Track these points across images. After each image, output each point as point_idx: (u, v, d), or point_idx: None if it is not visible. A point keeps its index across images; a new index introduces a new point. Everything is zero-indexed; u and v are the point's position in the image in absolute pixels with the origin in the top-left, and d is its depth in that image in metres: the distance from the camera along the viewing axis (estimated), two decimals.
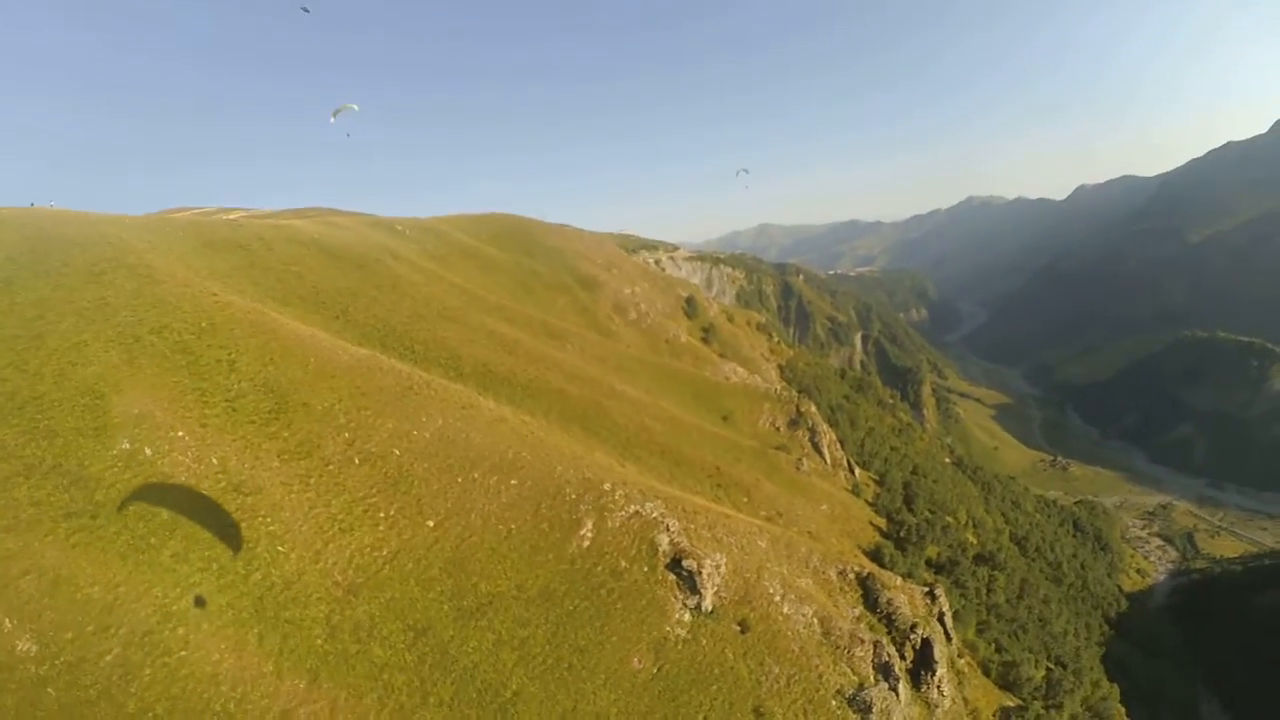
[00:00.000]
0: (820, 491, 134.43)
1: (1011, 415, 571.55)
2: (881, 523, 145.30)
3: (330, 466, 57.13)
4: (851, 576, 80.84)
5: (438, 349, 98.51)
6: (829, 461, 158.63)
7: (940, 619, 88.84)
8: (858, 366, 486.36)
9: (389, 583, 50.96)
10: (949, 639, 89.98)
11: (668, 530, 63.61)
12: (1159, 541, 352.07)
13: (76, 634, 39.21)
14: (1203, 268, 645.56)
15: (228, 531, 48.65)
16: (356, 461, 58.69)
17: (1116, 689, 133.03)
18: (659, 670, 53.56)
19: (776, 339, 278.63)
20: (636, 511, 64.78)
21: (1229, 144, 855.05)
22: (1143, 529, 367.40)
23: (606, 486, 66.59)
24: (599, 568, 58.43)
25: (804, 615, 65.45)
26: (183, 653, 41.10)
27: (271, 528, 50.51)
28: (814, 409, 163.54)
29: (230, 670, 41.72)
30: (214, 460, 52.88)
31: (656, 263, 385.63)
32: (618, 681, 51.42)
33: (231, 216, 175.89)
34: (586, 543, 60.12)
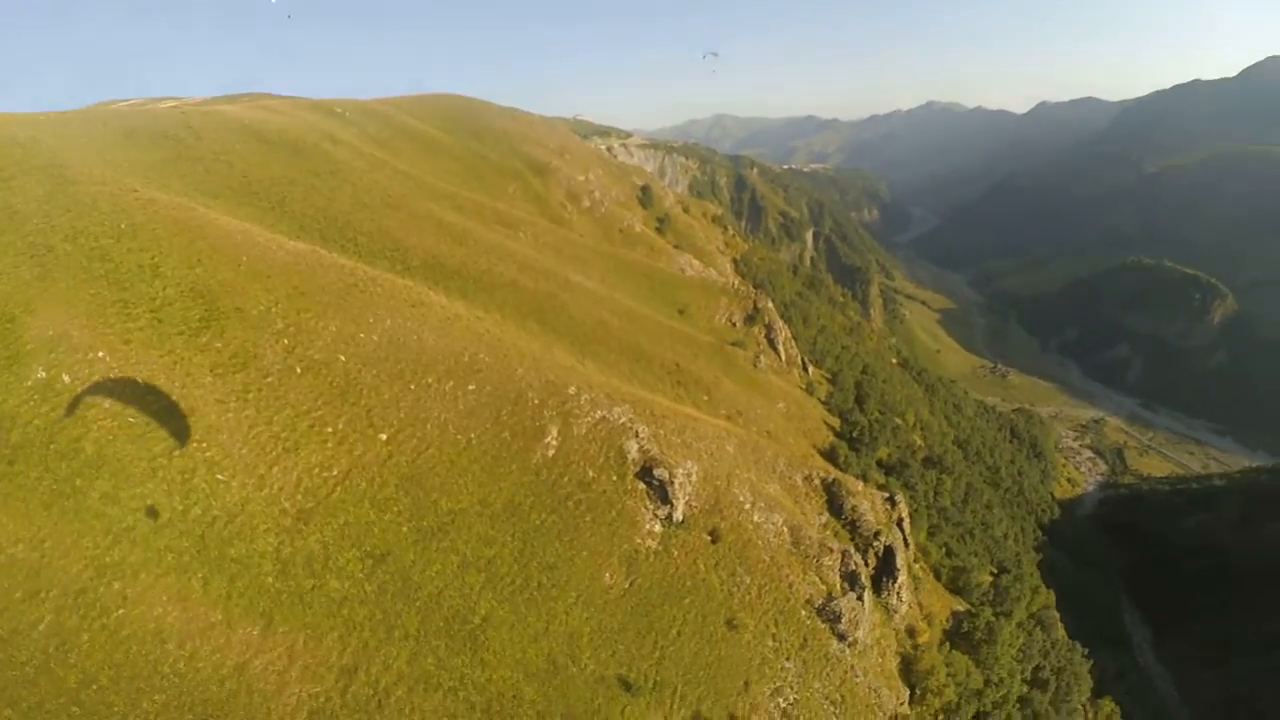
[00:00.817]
0: (777, 389, 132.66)
1: (955, 320, 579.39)
2: (835, 422, 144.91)
3: (269, 379, 50.92)
4: (817, 482, 79.23)
5: (382, 241, 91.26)
6: (784, 359, 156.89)
7: (899, 524, 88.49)
8: (808, 263, 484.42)
9: (342, 506, 46.40)
10: (907, 544, 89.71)
11: (637, 437, 60.18)
12: (1090, 454, 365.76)
13: (3, 604, 34.22)
14: (1155, 198, 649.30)
15: (159, 463, 42.61)
16: (298, 371, 52.56)
17: (1053, 595, 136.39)
18: (631, 585, 50.99)
19: (731, 232, 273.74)
20: (603, 417, 61.21)
21: (1196, 81, 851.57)
22: (1075, 440, 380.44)
23: (571, 390, 62.56)
24: (565, 478, 54.93)
25: (774, 524, 63.37)
26: (121, 610, 36.31)
27: (209, 453, 44.59)
28: (770, 305, 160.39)
29: (176, 624, 36.92)
30: (140, 382, 46.09)
31: (609, 150, 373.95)
32: (589, 598, 48.74)
33: (164, 106, 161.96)
34: (551, 451, 56.40)
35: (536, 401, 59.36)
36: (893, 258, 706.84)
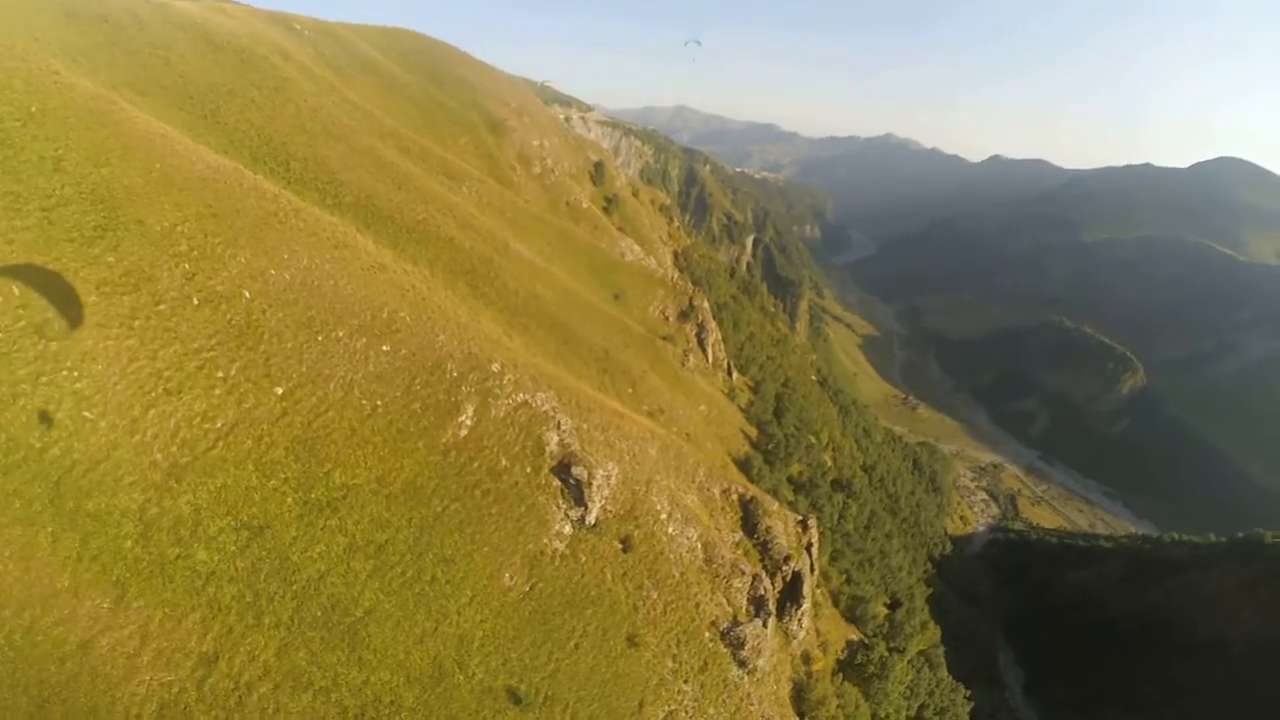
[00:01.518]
0: (700, 391, 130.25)
1: (876, 348, 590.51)
2: (752, 431, 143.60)
3: (161, 306, 44.21)
4: (735, 497, 76.27)
5: (317, 170, 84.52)
6: (711, 360, 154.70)
7: (809, 549, 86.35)
8: (745, 268, 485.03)
9: (221, 465, 40.68)
10: (813, 569, 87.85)
11: (558, 428, 55.76)
12: (985, 496, 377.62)
13: None
14: (1088, 266, 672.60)
15: (21, 389, 36.19)
16: (195, 302, 46.04)
17: (940, 631, 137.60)
18: (532, 588, 46.84)
19: (676, 224, 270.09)
20: (525, 401, 56.50)
21: (1147, 165, 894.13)
22: (972, 481, 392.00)
23: (495, 367, 57.62)
24: (476, 464, 50.05)
25: (688, 539, 59.96)
26: None
27: (78, 384, 38.10)
28: (706, 305, 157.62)
29: (15, 587, 31.30)
30: (14, 291, 38.88)
31: (567, 120, 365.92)
32: (485, 599, 44.40)
33: None
34: (464, 432, 51.39)
35: (455, 374, 54.23)
36: (826, 277, 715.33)
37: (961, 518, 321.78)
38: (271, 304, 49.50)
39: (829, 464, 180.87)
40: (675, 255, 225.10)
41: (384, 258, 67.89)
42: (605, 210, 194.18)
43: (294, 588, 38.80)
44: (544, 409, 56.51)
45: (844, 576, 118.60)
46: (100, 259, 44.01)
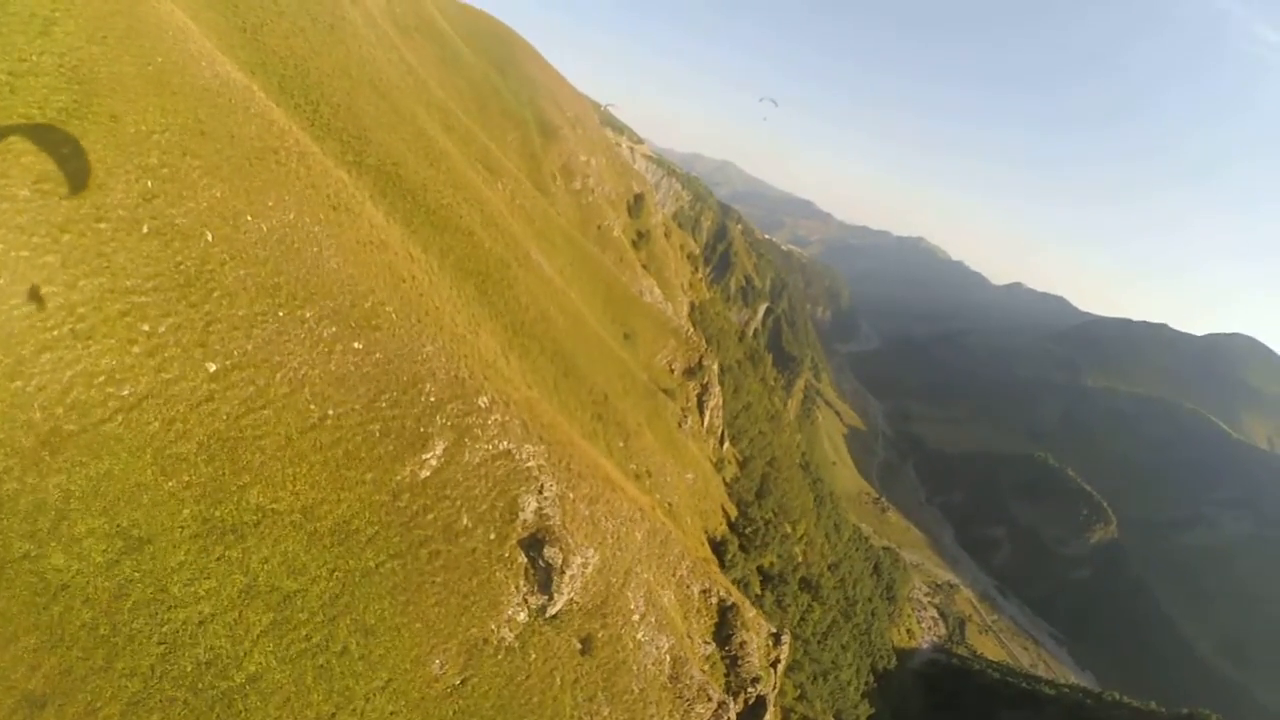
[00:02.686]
0: (690, 457, 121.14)
1: (859, 441, 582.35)
2: (733, 511, 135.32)
3: (103, 224, 34.80)
4: (714, 600, 66.40)
5: (347, 120, 75.52)
6: (706, 425, 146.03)
7: (775, 665, 76.78)
8: (751, 334, 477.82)
9: (113, 446, 30.86)
10: (776, 689, 78.06)
11: (540, 493, 45.51)
12: (934, 613, 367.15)
13: None
14: (1083, 410, 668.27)
15: None
16: (145, 230, 36.53)
17: None
18: (463, 682, 36.76)
19: (699, 275, 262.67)
20: (508, 451, 46.41)
21: (1163, 325, 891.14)
22: (926, 596, 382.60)
23: (482, 401, 47.72)
24: (431, 516, 39.93)
25: (657, 649, 49.91)
26: None
27: None
28: (715, 368, 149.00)
29: None
30: None
31: (616, 145, 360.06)
32: (404, 688, 34.28)
33: None
34: (426, 473, 41.26)
35: (432, 399, 44.29)
36: (827, 361, 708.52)
37: (909, 630, 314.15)
38: (235, 256, 39.70)
39: (800, 557, 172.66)
40: (692, 306, 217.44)
41: (389, 235, 58.54)
42: (634, 244, 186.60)
43: (165, 629, 28.73)
44: (528, 464, 46.43)
45: (798, 691, 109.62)
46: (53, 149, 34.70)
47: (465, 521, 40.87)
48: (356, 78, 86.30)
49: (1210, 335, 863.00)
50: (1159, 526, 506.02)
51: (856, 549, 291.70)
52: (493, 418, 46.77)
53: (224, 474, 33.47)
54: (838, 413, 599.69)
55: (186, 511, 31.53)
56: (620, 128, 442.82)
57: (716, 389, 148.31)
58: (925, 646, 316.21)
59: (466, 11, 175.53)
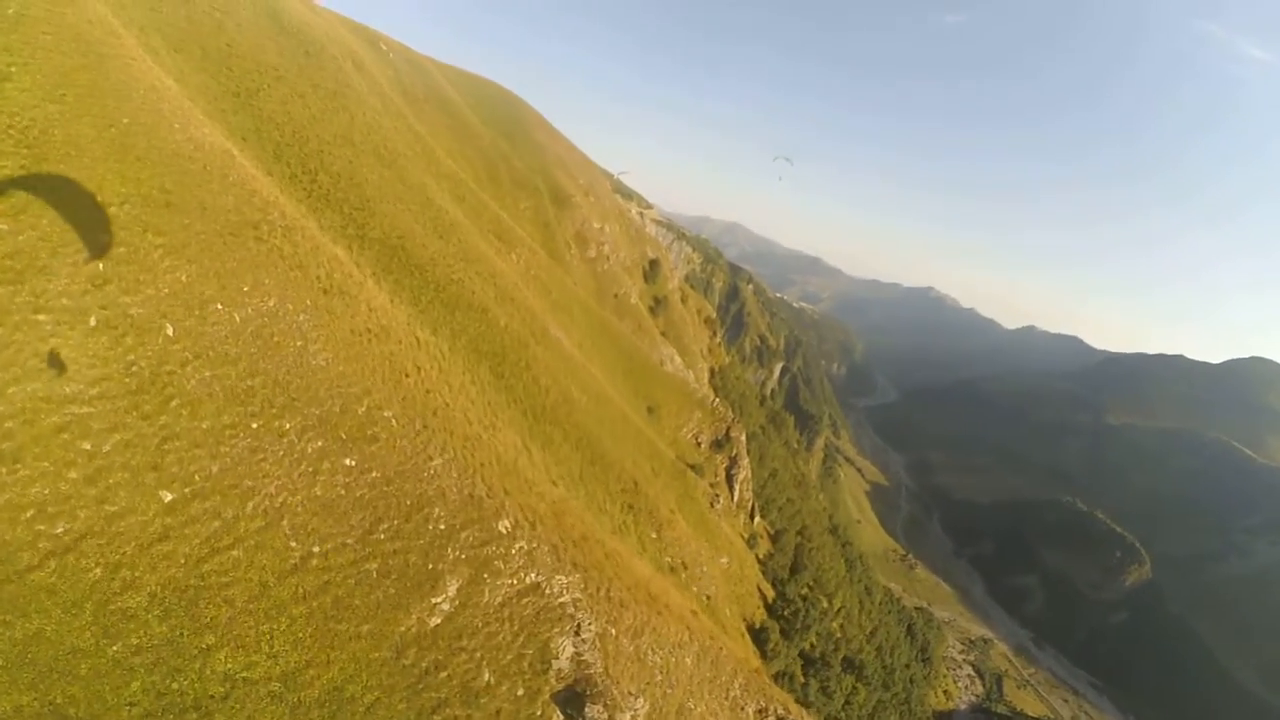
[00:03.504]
0: (724, 538, 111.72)
1: (882, 497, 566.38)
2: (769, 591, 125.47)
3: (42, 316, 27.07)
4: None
5: (349, 190, 68.53)
6: (736, 499, 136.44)
7: None
8: (769, 394, 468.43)
9: (44, 599, 22.70)
10: None
11: (576, 633, 35.83)
12: (970, 671, 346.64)
13: None
14: (1105, 449, 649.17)
15: None
16: (92, 321, 28.80)
17: None
18: None
19: (718, 339, 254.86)
20: (537, 585, 37.06)
21: (1180, 356, 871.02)
22: (960, 653, 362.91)
23: (503, 525, 38.49)
24: (444, 674, 30.30)
25: None
26: None
27: None
28: (742, 438, 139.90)
29: None
30: None
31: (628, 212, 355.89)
32: None
33: None
34: (437, 620, 31.84)
35: (443, 527, 35.06)
36: (845, 417, 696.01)
37: (945, 691, 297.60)
38: (200, 354, 31.65)
39: (838, 633, 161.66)
40: (712, 371, 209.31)
41: (392, 319, 50.40)
42: (652, 311, 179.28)
43: None
44: (561, 600, 36.84)
45: None
46: None
47: (487, 677, 31.46)
48: (360, 145, 79.75)
49: (1228, 362, 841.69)
50: (1192, 561, 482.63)
51: (889, 612, 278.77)
52: (517, 545, 37.52)
53: (182, 634, 24.71)
54: (859, 469, 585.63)
55: (136, 684, 22.88)
56: (629, 194, 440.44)
57: (745, 461, 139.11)
58: (964, 708, 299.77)
59: (473, 80, 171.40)
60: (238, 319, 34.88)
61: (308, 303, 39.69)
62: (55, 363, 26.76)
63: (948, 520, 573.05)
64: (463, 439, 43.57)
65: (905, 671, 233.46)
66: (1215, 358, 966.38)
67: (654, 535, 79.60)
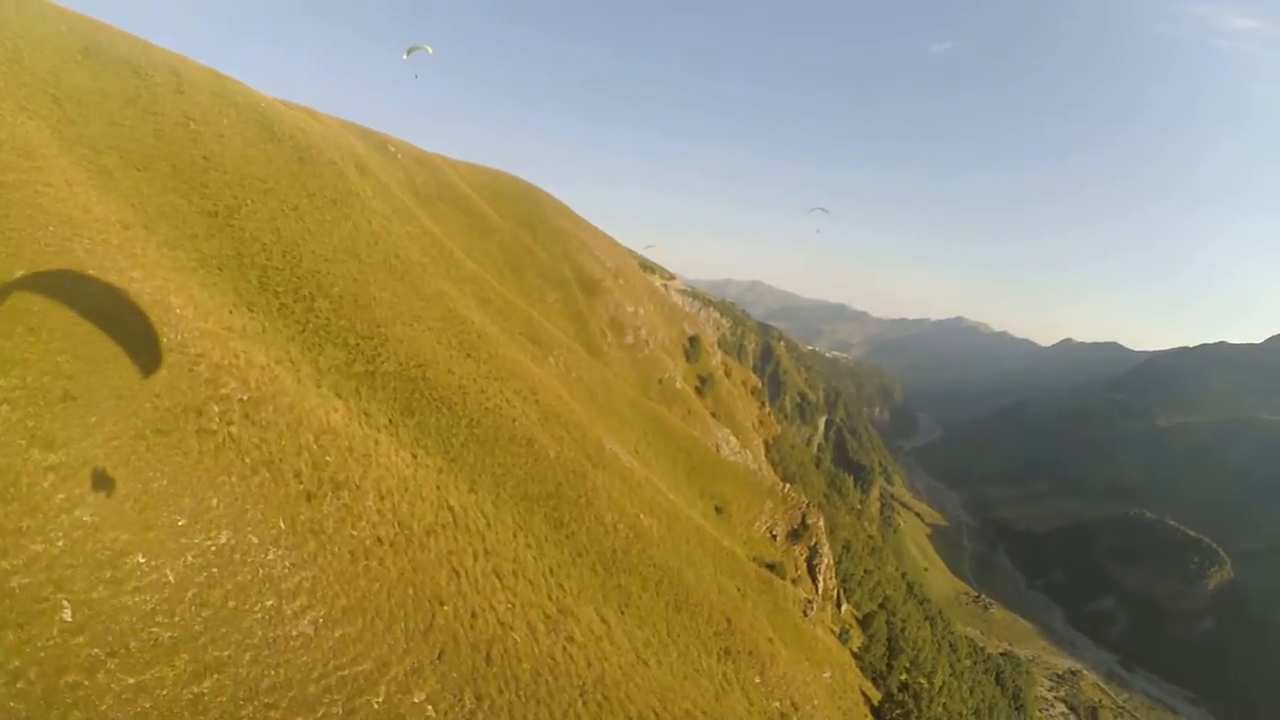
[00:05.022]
0: (822, 648, 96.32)
1: (945, 539, 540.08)
2: (872, 690, 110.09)
3: None
4: None
5: (355, 316, 56.26)
6: (820, 591, 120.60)
7: None
8: (815, 450, 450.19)
9: None
10: None
11: None
12: (1064, 708, 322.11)
13: None
14: (1163, 452, 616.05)
15: None
16: None
17: None
18: None
19: (766, 409, 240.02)
20: None
21: (1222, 344, 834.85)
22: (1050, 691, 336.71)
23: None
24: None
25: None
26: None
27: None
28: (820, 523, 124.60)
29: None
30: None
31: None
32: None
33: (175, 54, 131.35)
34: None
35: None
36: (895, 462, 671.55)
37: None
38: (116, 651, 18.50)
39: (943, 714, 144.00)
40: (766, 445, 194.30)
41: (418, 495, 37.48)
42: (698, 391, 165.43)
43: None
44: None
45: None
46: None
47: None
48: (367, 259, 67.96)
49: (1269, 339, 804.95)
50: (1268, 554, 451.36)
51: (976, 664, 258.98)
52: None
53: None
54: (917, 514, 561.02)
55: None
56: (651, 267, 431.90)
57: (826, 549, 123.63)
58: None
59: (489, 175, 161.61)
60: (171, 577, 21.90)
61: (280, 525, 26.42)
62: None
63: (1014, 553, 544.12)
64: (537, 657, 29.83)
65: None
66: (1257, 336, 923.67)
67: (758, 680, 64.75)
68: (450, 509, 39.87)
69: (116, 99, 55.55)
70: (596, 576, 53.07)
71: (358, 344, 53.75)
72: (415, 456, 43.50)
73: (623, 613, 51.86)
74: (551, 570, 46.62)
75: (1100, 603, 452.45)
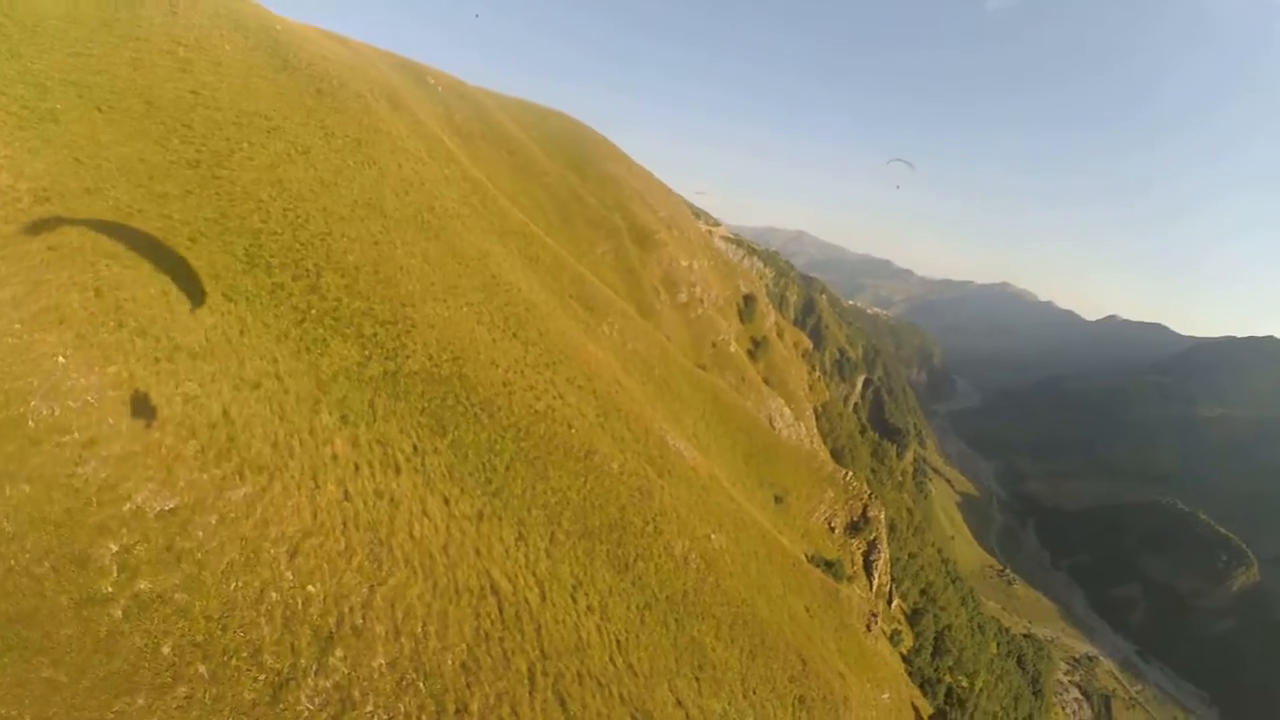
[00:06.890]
0: (883, 665, 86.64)
1: (974, 508, 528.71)
2: (921, 702, 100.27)
3: None
4: None
5: (370, 290, 45.14)
6: (875, 587, 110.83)
7: None
8: (852, 409, 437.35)
9: None
10: None
11: None
12: (1077, 693, 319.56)
13: None
14: (1202, 443, 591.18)
15: None
16: None
17: None
18: None
19: (816, 373, 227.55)
20: None
21: (1270, 338, 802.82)
22: (1065, 674, 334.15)
23: None
24: None
25: None
26: None
27: None
28: (881, 516, 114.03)
29: None
30: None
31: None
32: None
33: None
34: None
35: None
36: (929, 425, 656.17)
37: None
38: None
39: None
40: (816, 413, 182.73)
41: (453, 581, 26.83)
42: (751, 355, 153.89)
43: None
44: None
45: None
46: None
47: None
48: (394, 214, 56.34)
49: None
50: None
51: (1002, 647, 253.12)
52: None
53: None
54: (948, 480, 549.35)
55: None
56: (698, 213, 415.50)
57: (884, 545, 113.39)
58: None
59: (537, 113, 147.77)
60: None
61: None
62: None
63: (1042, 530, 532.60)
64: None
65: (1022, 709, 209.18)
66: None
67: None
68: (495, 591, 29.28)
69: (89, 24, 44.63)
70: (668, 633, 42.54)
71: (375, 333, 42.55)
72: (448, 502, 32.94)
73: (697, 679, 41.41)
74: (619, 643, 36.15)
75: (1123, 589, 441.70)
